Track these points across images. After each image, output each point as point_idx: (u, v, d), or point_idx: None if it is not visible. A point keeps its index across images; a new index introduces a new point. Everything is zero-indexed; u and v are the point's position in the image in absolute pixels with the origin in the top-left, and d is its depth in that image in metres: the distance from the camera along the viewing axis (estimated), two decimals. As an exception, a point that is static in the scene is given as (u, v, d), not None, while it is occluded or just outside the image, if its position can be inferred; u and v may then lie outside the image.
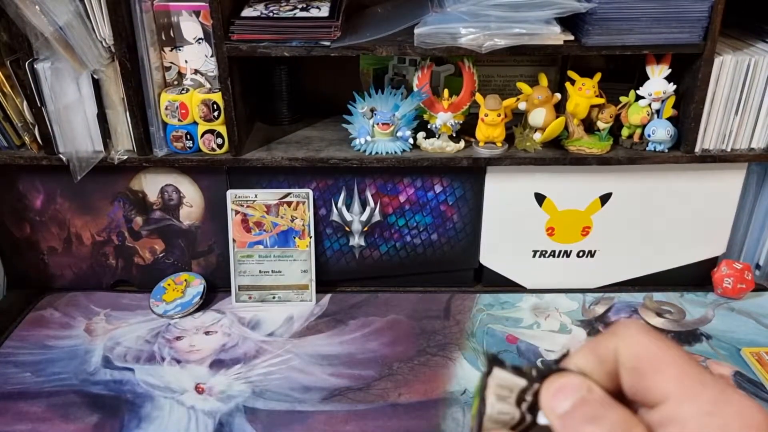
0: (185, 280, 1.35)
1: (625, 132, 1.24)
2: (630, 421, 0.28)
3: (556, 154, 1.23)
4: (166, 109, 1.20)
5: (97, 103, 1.19)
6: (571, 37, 1.13)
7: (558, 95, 1.21)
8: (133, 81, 1.16)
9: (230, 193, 1.28)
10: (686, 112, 1.20)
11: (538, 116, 1.20)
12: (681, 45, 1.13)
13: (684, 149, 1.22)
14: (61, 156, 1.22)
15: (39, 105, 1.17)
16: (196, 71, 1.22)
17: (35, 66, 1.14)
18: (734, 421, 0.26)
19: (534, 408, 0.30)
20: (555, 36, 1.11)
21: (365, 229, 1.32)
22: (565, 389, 0.29)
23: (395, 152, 1.24)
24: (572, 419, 0.29)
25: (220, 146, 1.23)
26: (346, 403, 1.08)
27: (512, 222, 1.31)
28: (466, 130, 1.27)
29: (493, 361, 0.31)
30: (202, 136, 1.22)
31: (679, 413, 0.27)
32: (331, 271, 1.36)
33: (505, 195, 1.29)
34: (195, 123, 1.21)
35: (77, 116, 1.19)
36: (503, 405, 0.30)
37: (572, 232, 1.32)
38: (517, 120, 1.27)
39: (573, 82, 1.21)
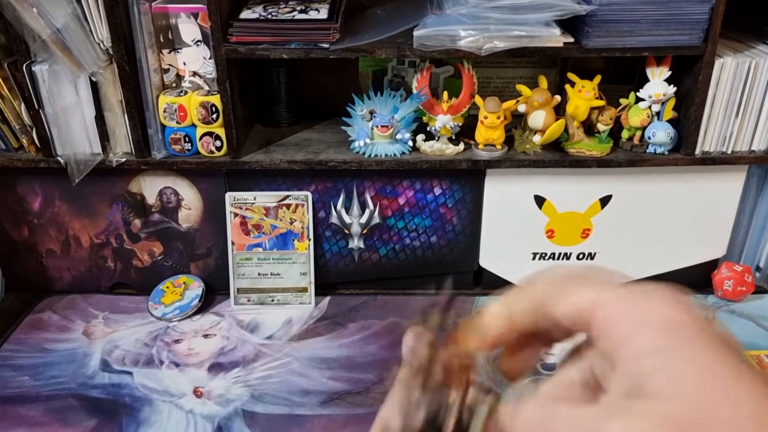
0: (184, 283, 1.34)
1: (625, 134, 1.24)
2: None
3: (556, 156, 1.23)
4: (165, 111, 1.19)
5: (95, 106, 1.18)
6: (571, 39, 1.13)
7: (558, 97, 1.21)
8: (131, 83, 1.15)
9: (229, 196, 1.28)
10: (686, 114, 1.20)
11: (537, 118, 1.20)
12: (681, 47, 1.13)
13: (684, 151, 1.22)
14: (59, 158, 1.22)
15: (37, 107, 1.17)
16: (195, 73, 1.21)
17: (33, 68, 1.14)
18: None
19: None
20: (555, 38, 1.11)
21: (364, 231, 1.31)
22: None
23: (394, 154, 1.23)
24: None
25: (218, 148, 1.22)
26: (345, 407, 1.08)
27: (512, 224, 1.31)
28: (466, 132, 1.26)
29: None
30: (201, 138, 1.22)
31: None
32: (331, 273, 1.36)
33: (504, 197, 1.28)
34: (193, 125, 1.21)
35: (75, 119, 1.19)
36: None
37: (572, 235, 1.32)
38: (516, 122, 1.26)
39: (573, 84, 1.21)
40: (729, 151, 1.23)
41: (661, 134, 1.19)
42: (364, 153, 1.23)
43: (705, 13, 1.09)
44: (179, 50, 1.19)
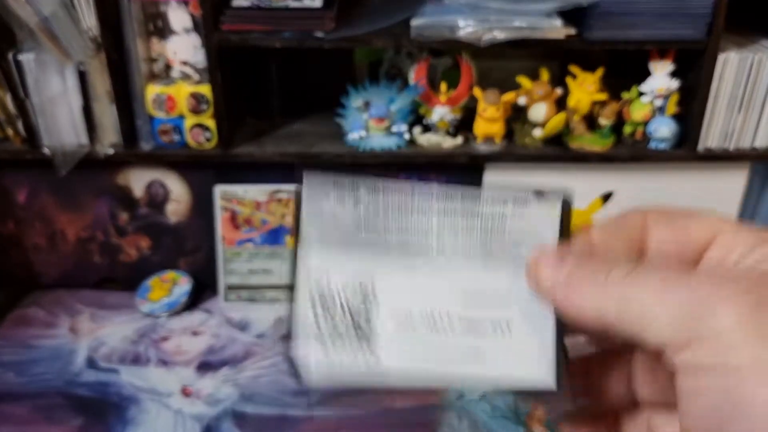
0: (172, 279, 1.32)
1: (627, 129, 1.22)
2: None
3: (557, 151, 1.21)
4: (153, 101, 1.16)
5: (82, 96, 1.16)
6: (573, 31, 1.11)
7: (559, 90, 1.19)
8: (119, 73, 1.13)
9: (218, 189, 1.25)
10: (690, 109, 1.18)
11: (538, 112, 1.18)
12: (685, 41, 1.11)
13: (687, 147, 1.20)
14: (45, 150, 1.19)
15: (23, 97, 1.14)
16: (185, 62, 1.19)
17: (19, 57, 1.11)
18: None
19: None
20: (556, 30, 1.09)
21: (359, 227, 1.29)
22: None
23: (390, 148, 1.21)
24: None
25: (208, 140, 1.20)
26: (338, 408, 1.06)
27: (510, 221, 1.29)
28: (464, 125, 1.24)
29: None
30: (190, 129, 1.19)
31: None
32: (324, 269, 1.34)
33: (503, 193, 1.26)
34: (183, 116, 1.18)
35: (62, 109, 1.16)
36: None
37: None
38: (516, 115, 1.24)
39: (575, 76, 1.19)
40: (732, 148, 1.21)
41: (664, 129, 1.17)
42: (358, 146, 1.21)
43: (708, 7, 1.07)
44: (169, 39, 1.17)
